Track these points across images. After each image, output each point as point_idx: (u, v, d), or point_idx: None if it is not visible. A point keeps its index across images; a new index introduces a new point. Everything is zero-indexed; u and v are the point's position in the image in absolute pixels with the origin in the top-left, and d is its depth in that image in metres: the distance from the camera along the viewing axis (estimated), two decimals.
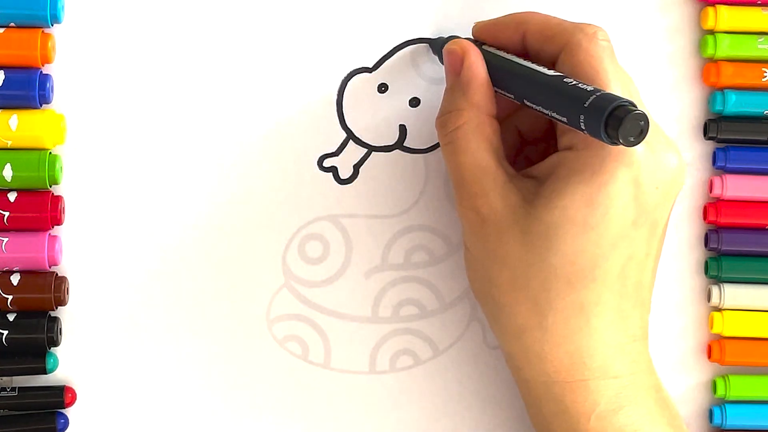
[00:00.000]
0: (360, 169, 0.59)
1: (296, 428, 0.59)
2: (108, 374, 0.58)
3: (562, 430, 0.52)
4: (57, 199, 0.57)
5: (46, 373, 0.57)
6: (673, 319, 0.60)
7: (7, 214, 0.56)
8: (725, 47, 0.58)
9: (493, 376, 0.59)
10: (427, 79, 0.59)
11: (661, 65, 0.59)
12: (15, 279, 0.56)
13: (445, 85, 0.55)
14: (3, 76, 0.56)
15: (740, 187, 0.59)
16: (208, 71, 0.58)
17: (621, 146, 0.47)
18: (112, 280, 0.58)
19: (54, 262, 0.57)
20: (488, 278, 0.53)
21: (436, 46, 0.57)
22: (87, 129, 0.57)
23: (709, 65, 0.59)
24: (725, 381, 0.59)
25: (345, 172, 0.59)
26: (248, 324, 0.58)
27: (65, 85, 0.57)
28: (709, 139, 0.59)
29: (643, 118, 0.47)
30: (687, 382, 0.60)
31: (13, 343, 0.56)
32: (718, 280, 0.60)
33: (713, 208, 0.59)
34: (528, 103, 0.52)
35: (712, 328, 0.59)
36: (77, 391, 0.57)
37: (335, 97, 0.58)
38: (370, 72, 0.58)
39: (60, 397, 0.57)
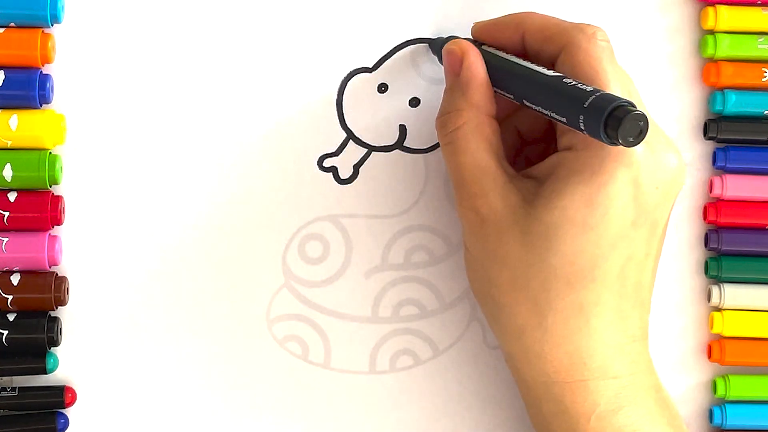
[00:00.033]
0: (360, 169, 0.59)
1: (296, 428, 0.59)
2: (108, 374, 0.58)
3: (562, 431, 0.52)
4: (57, 199, 0.57)
5: (46, 373, 0.57)
6: (673, 319, 0.60)
7: (7, 214, 0.56)
8: (725, 47, 0.58)
9: (493, 376, 0.59)
10: (427, 79, 0.59)
11: (661, 65, 0.59)
12: (15, 279, 0.56)
13: (445, 86, 0.55)
14: (3, 76, 0.56)
15: (740, 187, 0.59)
16: (208, 71, 0.58)
17: (620, 146, 0.47)
18: (112, 280, 0.58)
19: (54, 262, 0.57)
20: (488, 278, 0.53)
21: (436, 46, 0.57)
22: (87, 129, 0.57)
23: (709, 65, 0.59)
24: (725, 381, 0.59)
25: (345, 172, 0.59)
26: (248, 324, 0.58)
27: (65, 85, 0.57)
28: (709, 139, 0.59)
29: (643, 118, 0.46)
30: (687, 382, 0.60)
31: (13, 343, 0.56)
32: (718, 280, 0.60)
33: (713, 208, 0.59)
34: (527, 104, 0.52)
35: (712, 328, 0.59)
36: (77, 391, 0.57)
37: (335, 97, 0.58)
38: (370, 72, 0.58)
39: (60, 397, 0.57)
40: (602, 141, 0.47)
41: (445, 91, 0.55)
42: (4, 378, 0.57)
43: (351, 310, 0.59)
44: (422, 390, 0.59)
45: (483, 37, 0.55)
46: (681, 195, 0.54)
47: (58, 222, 0.57)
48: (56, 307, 0.57)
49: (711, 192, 0.59)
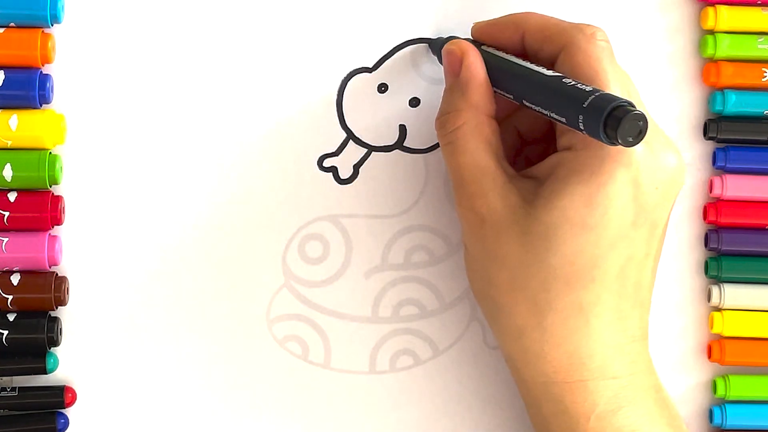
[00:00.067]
0: (360, 169, 0.59)
1: (296, 428, 0.59)
2: (108, 374, 0.58)
3: (562, 431, 0.52)
4: (57, 199, 0.57)
5: (46, 373, 0.57)
6: (673, 319, 0.60)
7: (7, 214, 0.56)
8: (725, 47, 0.58)
9: (493, 376, 0.59)
10: (427, 79, 0.59)
11: (661, 65, 0.59)
12: (15, 279, 0.56)
13: (444, 86, 0.55)
14: (3, 76, 0.56)
15: (740, 187, 0.59)
16: (208, 71, 0.58)
17: (620, 146, 0.47)
18: (112, 280, 0.58)
19: (54, 262, 0.57)
20: (487, 278, 0.53)
21: (436, 46, 0.57)
22: (87, 129, 0.57)
23: (709, 65, 0.59)
24: (725, 381, 0.59)
25: (345, 172, 0.59)
26: (248, 324, 0.58)
27: (65, 85, 0.57)
28: (709, 139, 0.59)
29: (642, 118, 0.46)
30: (687, 382, 0.60)
31: (13, 343, 0.56)
32: (718, 280, 0.60)
33: (713, 208, 0.59)
34: (527, 104, 0.52)
35: (712, 328, 0.59)
36: (77, 391, 0.57)
37: (335, 97, 0.58)
38: (370, 72, 0.58)
39: (60, 397, 0.57)
40: (602, 141, 0.47)
41: (444, 91, 0.55)
42: (4, 378, 0.57)
43: (351, 310, 0.59)
44: (422, 390, 0.59)
45: (483, 38, 0.55)
46: (681, 195, 0.54)
47: (58, 222, 0.57)
48: (56, 307, 0.57)
49: (711, 192, 0.59)
